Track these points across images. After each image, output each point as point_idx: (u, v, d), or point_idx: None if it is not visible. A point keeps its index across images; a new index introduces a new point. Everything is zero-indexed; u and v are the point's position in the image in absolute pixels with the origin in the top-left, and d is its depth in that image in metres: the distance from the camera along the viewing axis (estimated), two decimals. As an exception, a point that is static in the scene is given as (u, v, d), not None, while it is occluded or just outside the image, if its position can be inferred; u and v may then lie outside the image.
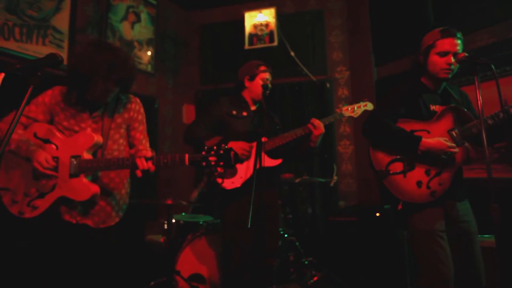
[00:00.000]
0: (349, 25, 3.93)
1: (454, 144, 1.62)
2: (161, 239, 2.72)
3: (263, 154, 2.07)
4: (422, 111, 1.70)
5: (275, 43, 3.92)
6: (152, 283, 2.58)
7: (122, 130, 1.68)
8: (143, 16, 3.82)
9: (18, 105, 1.09)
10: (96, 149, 1.58)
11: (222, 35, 4.24)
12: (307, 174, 3.21)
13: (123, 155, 1.70)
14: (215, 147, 1.39)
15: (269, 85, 2.10)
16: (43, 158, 1.48)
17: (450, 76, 1.65)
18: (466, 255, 1.61)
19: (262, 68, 2.16)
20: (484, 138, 1.30)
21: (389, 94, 1.78)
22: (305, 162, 3.59)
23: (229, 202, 2.04)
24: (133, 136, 1.72)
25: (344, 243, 3.02)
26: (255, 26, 4.02)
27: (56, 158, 1.53)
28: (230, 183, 2.02)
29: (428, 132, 1.68)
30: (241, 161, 2.05)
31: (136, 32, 3.73)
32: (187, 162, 1.41)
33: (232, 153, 1.36)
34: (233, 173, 2.04)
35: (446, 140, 1.61)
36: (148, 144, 1.76)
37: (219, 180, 2.01)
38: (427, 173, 1.64)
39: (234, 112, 2.13)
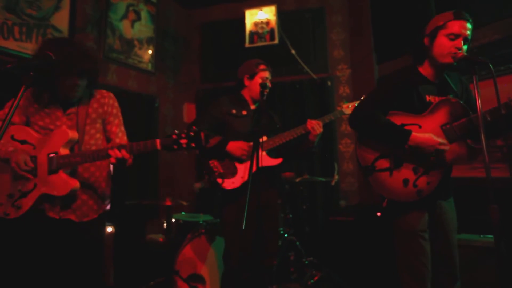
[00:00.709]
0: (351, 23, 3.89)
1: (445, 141, 1.54)
2: (160, 238, 2.71)
3: (262, 153, 2.06)
4: (415, 103, 1.60)
5: (276, 41, 3.89)
6: (152, 282, 2.58)
7: (98, 125, 1.70)
8: (143, 14, 3.81)
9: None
10: (72, 145, 1.60)
11: (222, 33, 4.22)
12: (307, 173, 3.19)
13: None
14: (185, 130, 1.41)
15: (268, 84, 2.08)
16: (22, 159, 1.52)
17: (455, 62, 1.52)
18: (444, 252, 1.59)
19: (262, 67, 2.14)
20: (483, 136, 1.27)
21: (381, 84, 1.71)
22: (305, 161, 3.57)
23: (229, 202, 2.03)
24: (109, 130, 1.74)
25: (344, 242, 3.00)
26: (255, 24, 4.00)
27: (34, 157, 1.57)
28: (230, 183, 2.01)
29: (420, 127, 1.59)
30: (241, 161, 2.04)
31: (136, 31, 3.72)
32: (158, 147, 1.43)
33: (202, 134, 1.39)
34: (234, 173, 2.03)
35: (437, 136, 1.53)
36: (125, 138, 1.78)
37: (219, 180, 2.00)
38: (415, 171, 1.58)
39: (234, 111, 2.11)
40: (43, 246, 1.56)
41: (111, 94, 1.78)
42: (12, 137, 1.61)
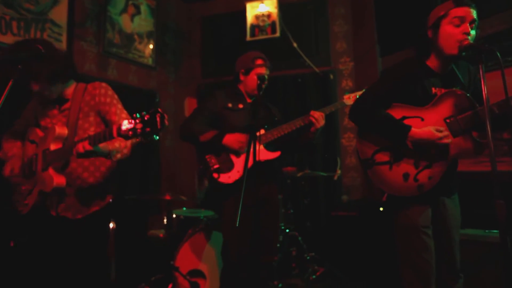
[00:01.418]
0: (353, 14, 3.82)
1: (446, 134, 1.47)
2: (160, 234, 2.70)
3: (260, 147, 2.02)
4: (419, 96, 1.54)
5: (277, 34, 3.83)
6: (153, 278, 2.58)
7: (91, 118, 1.66)
8: (143, 8, 3.77)
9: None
10: (62, 140, 1.58)
11: (223, 27, 4.17)
12: (309, 168, 3.15)
13: None
14: (143, 113, 1.25)
15: (266, 77, 2.04)
16: (8, 169, 1.67)
17: (463, 52, 1.42)
18: (445, 249, 1.54)
19: (258, 62, 2.08)
20: (489, 130, 1.22)
21: (383, 76, 1.64)
22: (306, 153, 3.52)
23: (226, 197, 2.00)
24: (109, 120, 1.67)
25: (346, 238, 2.97)
26: (256, 17, 3.94)
27: (36, 155, 1.62)
28: (226, 178, 1.97)
29: (422, 119, 1.53)
30: (238, 155, 2.01)
31: (136, 25, 3.68)
32: (115, 135, 1.32)
33: (158, 115, 1.21)
34: (230, 167, 1.99)
35: (438, 130, 1.47)
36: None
37: (215, 175, 1.96)
38: (416, 165, 1.52)
39: (230, 105, 2.07)
40: (46, 243, 1.58)
41: (103, 84, 1.72)
42: (28, 138, 1.70)
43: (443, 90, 1.54)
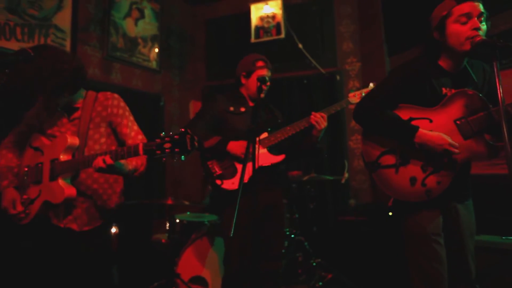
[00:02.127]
0: (360, 13, 3.73)
1: (456, 144, 1.38)
2: (162, 239, 2.66)
3: (264, 151, 1.96)
4: (428, 96, 1.45)
5: (282, 36, 3.77)
6: (156, 284, 2.54)
7: (102, 129, 1.63)
8: (147, 12, 3.76)
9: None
10: (73, 151, 1.55)
11: (228, 29, 4.14)
12: (315, 171, 3.07)
13: None
14: (170, 133, 1.26)
15: (267, 78, 1.98)
16: (9, 203, 1.55)
17: (477, 50, 1.33)
18: (459, 259, 1.44)
19: (259, 64, 2.03)
20: (505, 131, 1.13)
21: (390, 75, 1.55)
22: (312, 158, 3.44)
23: (229, 203, 1.94)
24: (119, 132, 1.66)
25: (354, 243, 2.87)
26: (261, 19, 3.89)
27: (41, 164, 1.57)
28: (230, 184, 1.92)
29: (430, 121, 1.44)
30: (241, 161, 1.95)
31: (140, 29, 3.67)
32: (141, 152, 1.31)
33: (188, 136, 1.23)
34: (233, 173, 1.94)
35: (451, 132, 1.38)
36: (140, 137, 1.69)
37: (218, 182, 1.91)
38: (424, 168, 1.43)
39: (232, 109, 2.02)
40: (48, 254, 1.55)
41: (116, 95, 1.70)
42: (30, 144, 1.65)
43: (453, 91, 1.45)
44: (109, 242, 1.78)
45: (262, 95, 2.07)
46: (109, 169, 1.39)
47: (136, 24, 3.64)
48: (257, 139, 1.93)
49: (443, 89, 1.46)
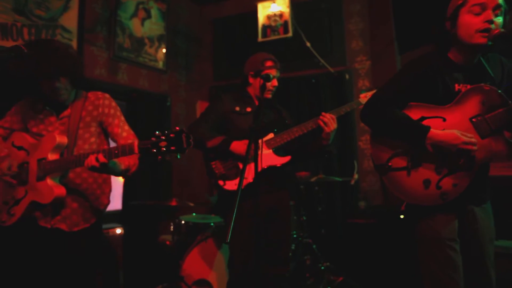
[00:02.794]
0: (370, 11, 3.63)
1: (472, 140, 1.28)
2: (167, 241, 2.63)
3: (269, 152, 1.91)
4: (440, 93, 1.37)
5: (290, 34, 3.71)
6: (160, 286, 2.51)
7: (93, 129, 1.61)
8: (154, 12, 3.75)
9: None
10: (61, 150, 1.53)
11: (235, 29, 4.09)
12: (323, 172, 3.00)
13: None
14: (166, 131, 1.24)
15: (271, 76, 1.92)
16: (6, 165, 1.50)
17: (489, 42, 1.25)
18: (478, 267, 1.35)
19: (268, 63, 1.97)
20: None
21: (399, 73, 1.47)
22: (320, 161, 3.36)
23: (231, 205, 1.89)
24: (111, 132, 1.65)
25: (364, 247, 2.79)
26: (268, 17, 3.84)
27: (27, 163, 1.53)
28: (233, 185, 1.87)
29: (444, 120, 1.35)
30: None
31: (147, 29, 3.66)
32: (136, 150, 1.29)
33: (183, 135, 1.21)
34: (237, 174, 1.89)
35: (463, 134, 1.29)
36: (131, 137, 1.67)
37: (221, 182, 1.86)
38: (438, 170, 1.33)
39: (237, 109, 1.98)
40: (35, 256, 1.51)
41: (107, 95, 1.69)
42: (13, 144, 1.61)
43: (468, 86, 1.36)
44: (98, 243, 1.73)
45: (269, 95, 2.02)
46: (102, 168, 1.36)
47: (142, 24, 3.63)
48: (262, 139, 1.88)
49: (456, 85, 1.37)
